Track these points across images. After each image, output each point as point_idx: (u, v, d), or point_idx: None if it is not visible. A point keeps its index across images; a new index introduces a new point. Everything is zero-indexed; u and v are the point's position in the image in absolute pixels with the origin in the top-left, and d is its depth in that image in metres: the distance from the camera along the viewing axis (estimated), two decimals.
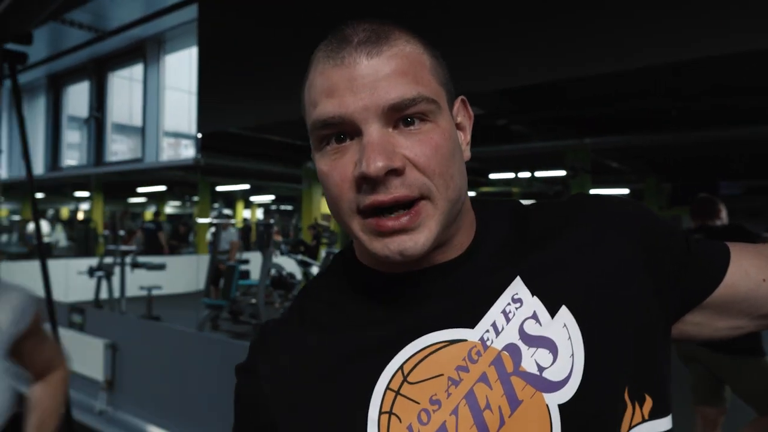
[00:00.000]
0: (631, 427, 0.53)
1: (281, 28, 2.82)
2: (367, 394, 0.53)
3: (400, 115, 0.50)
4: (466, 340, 0.53)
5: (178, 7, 4.52)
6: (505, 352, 0.52)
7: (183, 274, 8.96)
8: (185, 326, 5.71)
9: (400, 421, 0.51)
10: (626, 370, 0.53)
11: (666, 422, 0.55)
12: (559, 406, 0.50)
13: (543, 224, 0.60)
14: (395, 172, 0.49)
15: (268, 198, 18.11)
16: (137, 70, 6.75)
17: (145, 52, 6.16)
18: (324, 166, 0.52)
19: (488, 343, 0.52)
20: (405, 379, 0.52)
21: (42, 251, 2.28)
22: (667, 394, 0.57)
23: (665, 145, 7.60)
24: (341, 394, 0.54)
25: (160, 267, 7.38)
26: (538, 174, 9.82)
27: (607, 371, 0.53)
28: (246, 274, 7.83)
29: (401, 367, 0.53)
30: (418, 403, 0.51)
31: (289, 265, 8.09)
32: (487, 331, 0.53)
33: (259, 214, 19.35)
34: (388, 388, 0.52)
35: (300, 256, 8.00)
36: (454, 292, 0.55)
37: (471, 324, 0.53)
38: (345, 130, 0.51)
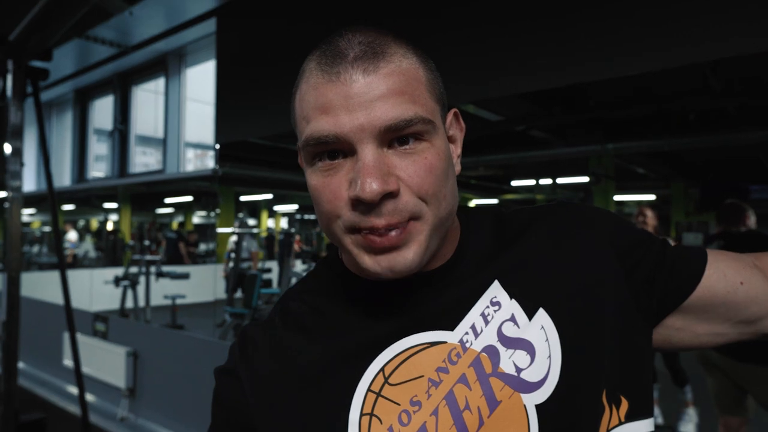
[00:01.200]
0: (608, 430, 0.54)
1: (297, 38, 2.86)
2: (348, 396, 0.53)
3: (395, 135, 0.49)
4: (446, 342, 0.54)
5: (197, 21, 4.63)
6: (484, 354, 0.53)
7: (206, 283, 9.09)
8: (208, 335, 5.78)
9: (381, 423, 0.51)
10: (603, 372, 0.54)
11: (646, 425, 0.56)
12: (536, 406, 0.51)
13: (521, 230, 0.60)
14: (390, 195, 0.49)
15: (292, 207, 18.30)
16: (161, 83, 6.93)
17: (167, 65, 6.31)
18: (316, 181, 0.52)
19: (467, 344, 0.53)
20: (386, 381, 0.53)
21: (62, 261, 2.34)
22: (648, 397, 0.57)
23: (692, 148, 7.43)
24: (322, 397, 0.54)
25: (184, 276, 7.50)
26: (561, 181, 9.70)
27: (584, 373, 0.53)
28: (268, 283, 7.91)
29: (382, 369, 0.53)
30: (398, 404, 0.52)
31: None
32: (467, 333, 0.54)
33: (284, 223, 19.54)
34: (369, 389, 0.53)
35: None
36: (435, 298, 0.56)
37: (451, 327, 0.54)
38: (339, 148, 0.50)
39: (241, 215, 13.12)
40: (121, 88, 7.05)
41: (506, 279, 0.56)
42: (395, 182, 0.49)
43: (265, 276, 7.50)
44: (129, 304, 7.42)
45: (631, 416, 0.55)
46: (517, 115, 6.16)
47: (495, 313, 0.55)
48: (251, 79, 3.17)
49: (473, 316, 0.55)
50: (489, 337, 0.54)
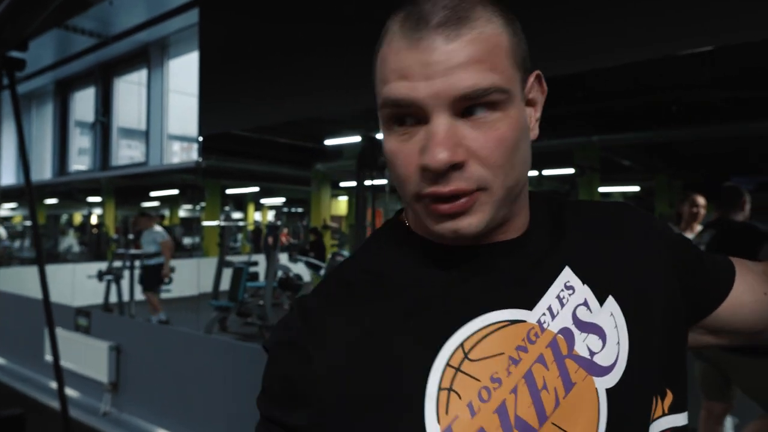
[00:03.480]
0: (652, 420, 0.55)
1: (282, 29, 2.82)
2: (425, 369, 0.52)
3: (469, 104, 0.49)
4: (525, 321, 0.54)
5: (180, 11, 4.56)
6: (560, 336, 0.54)
7: (191, 276, 9.03)
8: (193, 328, 5.74)
9: (460, 398, 0.50)
10: (659, 366, 0.57)
11: (682, 418, 0.58)
12: (607, 390, 0.52)
13: (585, 221, 0.62)
14: (456, 166, 0.49)
15: (279, 200, 18.21)
16: (143, 74, 6.82)
17: (149, 56, 6.22)
18: (392, 146, 0.52)
19: (545, 325, 0.54)
20: (466, 356, 0.52)
21: (40, 256, 2.30)
22: (685, 392, 0.60)
23: (677, 141, 7.51)
24: (395, 370, 0.52)
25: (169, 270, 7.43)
26: (546, 172, 9.75)
27: (646, 363, 0.55)
28: (255, 276, 7.86)
29: (462, 344, 0.52)
30: (478, 380, 0.51)
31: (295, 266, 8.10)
32: (544, 314, 0.54)
33: (270, 216, 19.45)
34: (448, 364, 0.52)
35: (306, 258, 8.02)
36: (514, 273, 0.56)
37: (530, 306, 0.54)
38: (414, 113, 0.50)
39: (227, 208, 13.02)
40: (103, 79, 6.93)
41: (576, 265, 0.57)
42: (464, 153, 0.49)
43: (252, 269, 7.46)
44: (113, 298, 7.35)
45: (673, 409, 0.57)
46: None
47: (569, 296, 0.56)
48: (235, 71, 3.13)
49: (550, 297, 0.55)
50: (564, 319, 0.55)
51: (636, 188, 12.69)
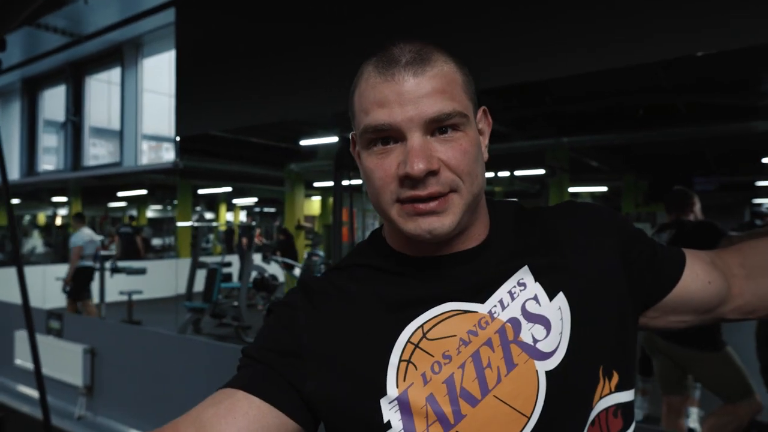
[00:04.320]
0: (600, 398, 0.64)
1: (260, 30, 2.83)
2: (390, 343, 0.63)
3: (437, 126, 0.60)
4: (477, 312, 0.63)
5: (155, 11, 4.51)
6: (508, 324, 0.63)
7: (163, 278, 8.90)
8: (170, 330, 5.67)
9: (416, 369, 0.61)
10: (603, 351, 0.65)
11: (628, 395, 0.68)
12: (546, 372, 0.61)
13: (545, 225, 0.71)
14: (432, 173, 0.59)
15: (251, 200, 18.04)
16: (115, 73, 6.70)
17: (123, 55, 6.12)
18: (371, 163, 0.62)
19: (495, 315, 0.63)
20: (424, 336, 0.62)
21: (18, 258, 2.28)
22: (632, 372, 0.69)
23: (642, 142, 7.76)
24: (368, 341, 0.64)
25: (141, 271, 7.33)
26: (518, 173, 9.94)
27: (587, 350, 0.64)
28: (228, 277, 7.81)
29: (422, 326, 0.63)
30: (432, 356, 0.61)
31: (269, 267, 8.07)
32: (495, 306, 0.64)
33: (242, 216, 19.25)
34: (408, 341, 0.62)
35: (282, 259, 8.01)
36: (469, 274, 0.65)
37: (482, 300, 0.64)
38: (391, 135, 0.61)
39: (198, 208, 12.85)
40: (74, 77, 6.78)
41: (534, 265, 0.66)
42: (437, 162, 0.59)
43: (225, 270, 7.41)
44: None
45: (619, 387, 0.66)
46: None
47: (521, 292, 0.64)
48: (212, 72, 3.12)
49: (501, 292, 0.64)
50: (514, 311, 0.63)
51: (604, 188, 13.02)
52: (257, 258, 8.16)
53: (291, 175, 10.79)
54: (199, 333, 6.40)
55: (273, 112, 2.91)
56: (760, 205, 11.79)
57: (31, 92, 7.56)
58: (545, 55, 1.95)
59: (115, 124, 6.80)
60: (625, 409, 0.67)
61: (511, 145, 7.45)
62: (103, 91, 6.97)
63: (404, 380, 0.61)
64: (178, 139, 3.60)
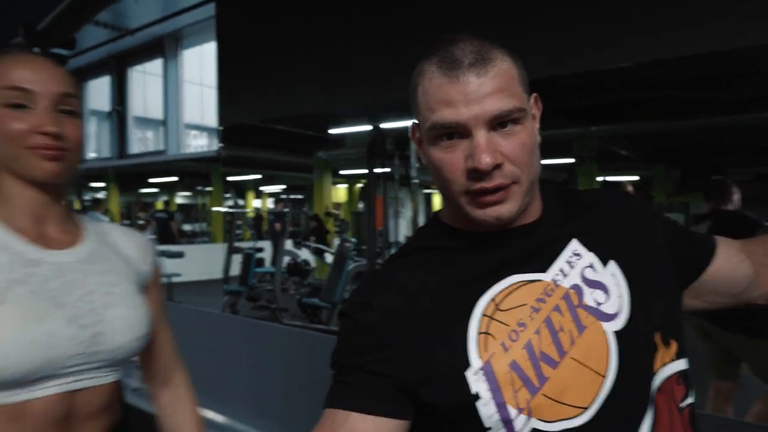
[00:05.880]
0: (663, 365, 0.69)
1: (297, 22, 2.90)
2: (465, 318, 0.67)
3: (499, 122, 0.65)
4: (541, 281, 0.69)
5: (195, 6, 4.67)
6: (571, 290, 0.68)
7: (198, 262, 9.18)
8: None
9: (495, 339, 0.65)
10: (658, 319, 0.70)
11: (684, 363, 0.73)
12: (614, 332, 0.66)
13: (590, 203, 0.78)
14: (497, 166, 0.64)
15: (278, 188, 18.30)
16: (154, 64, 6.95)
17: (164, 48, 6.34)
18: (439, 156, 0.68)
19: (558, 282, 0.69)
20: (497, 308, 0.67)
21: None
22: (684, 343, 0.74)
23: (673, 131, 7.67)
24: (442, 318, 0.68)
25: (179, 255, 7.60)
26: (544, 162, 9.91)
27: (644, 314, 0.69)
28: (260, 262, 8.05)
29: (493, 299, 0.67)
30: (507, 325, 0.66)
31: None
32: (557, 274, 0.69)
33: (270, 203, 19.54)
34: (483, 314, 0.67)
35: (314, 245, 8.20)
36: (530, 247, 0.71)
37: (544, 269, 0.70)
38: (457, 131, 0.65)
39: (228, 195, 13.12)
40: (118, 69, 7.05)
41: (583, 238, 0.72)
42: (500, 157, 0.65)
43: (258, 255, 7.64)
44: None
45: (678, 355, 0.71)
46: None
47: (577, 261, 0.70)
48: (252, 62, 3.22)
49: (560, 262, 0.70)
50: (574, 278, 0.69)
51: (635, 177, 12.86)
52: (288, 244, 8.38)
53: (319, 163, 10.93)
54: (236, 314, 6.66)
55: (310, 102, 3.03)
56: None
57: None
58: (566, 50, 2.02)
59: (154, 114, 7.06)
60: (686, 376, 0.72)
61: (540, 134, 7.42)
62: (143, 82, 7.23)
63: (485, 350, 0.64)
64: (221, 128, 3.75)
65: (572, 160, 8.63)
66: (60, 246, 0.87)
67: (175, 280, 7.36)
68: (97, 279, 0.87)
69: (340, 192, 16.14)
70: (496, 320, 0.66)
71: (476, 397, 0.63)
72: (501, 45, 0.70)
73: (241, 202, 18.27)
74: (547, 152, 9.58)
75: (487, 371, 0.64)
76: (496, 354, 0.64)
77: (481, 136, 0.64)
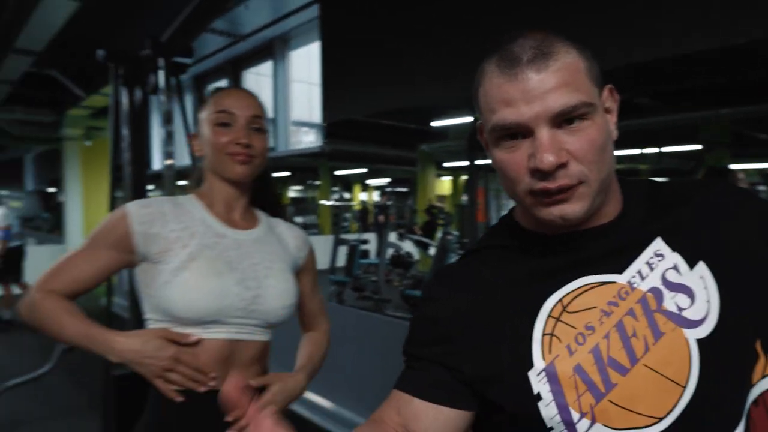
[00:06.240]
0: (764, 376, 0.62)
1: (396, 18, 2.93)
2: (532, 318, 0.65)
3: (564, 118, 0.60)
4: (615, 283, 0.64)
5: (302, 9, 4.90)
6: (649, 293, 0.63)
7: None
8: None
9: (560, 341, 0.63)
10: (758, 324, 0.63)
11: None
12: (698, 340, 0.61)
13: (681, 198, 0.71)
14: (561, 166, 0.60)
15: (384, 181, 18.67)
16: (267, 66, 7.39)
17: (274, 50, 6.72)
18: (502, 157, 0.64)
19: (635, 285, 0.64)
20: (564, 309, 0.64)
21: None
22: None
23: None
24: (508, 317, 0.66)
25: None
26: (667, 149, 9.13)
27: (740, 320, 0.62)
28: (365, 254, 8.28)
29: (561, 300, 0.65)
30: (574, 328, 0.63)
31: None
32: (634, 276, 0.64)
33: (375, 196, 20.01)
34: (549, 315, 0.64)
35: (417, 237, 8.27)
36: (605, 248, 0.67)
37: (620, 271, 0.65)
38: (519, 131, 0.62)
39: (336, 189, 13.63)
40: (233, 72, 7.61)
41: (668, 236, 0.66)
42: (565, 155, 0.61)
43: (363, 247, 7.86)
44: None
45: None
46: (620, 84, 5.89)
47: (659, 262, 0.65)
48: (354, 61, 3.30)
49: (639, 263, 0.65)
50: (654, 280, 0.64)
51: None
52: (392, 236, 8.52)
53: (423, 156, 10.98)
54: (342, 304, 6.92)
55: (410, 96, 3.04)
56: None
57: (199, 87, 8.64)
58: (687, 27, 1.85)
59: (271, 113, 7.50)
60: None
61: (659, 120, 6.87)
62: (258, 84, 7.73)
63: (549, 352, 0.63)
64: (324, 124, 3.89)
65: (698, 147, 7.87)
66: (240, 228, 1.13)
67: None
68: (263, 256, 1.12)
69: (444, 185, 16.10)
70: (563, 322, 0.64)
71: (538, 397, 0.62)
72: (569, 39, 0.65)
73: (348, 195, 18.91)
74: (671, 139, 8.84)
75: (550, 373, 0.62)
76: (560, 356, 0.62)
77: (543, 134, 0.60)
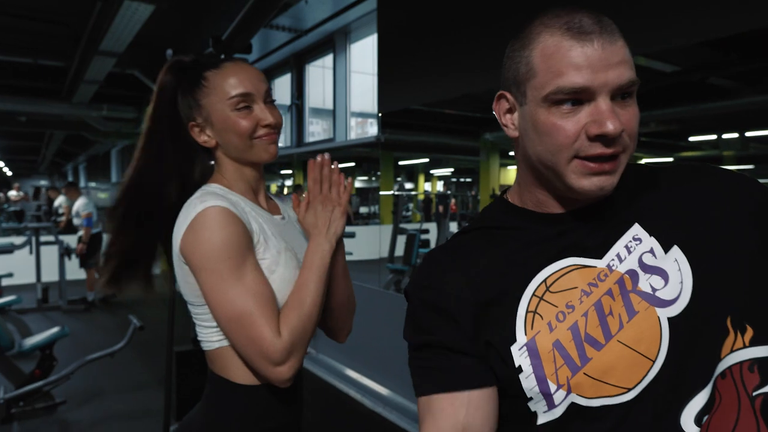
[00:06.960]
0: (732, 351, 0.65)
1: (452, 7, 2.94)
2: (517, 296, 0.69)
3: (620, 92, 0.64)
4: (595, 267, 0.68)
5: (361, 1, 4.98)
6: (626, 275, 0.67)
7: (369, 242, 9.76)
8: (371, 287, 6.34)
9: (542, 318, 0.67)
10: (731, 302, 0.65)
11: (765, 350, 0.65)
12: (669, 318, 0.64)
13: (657, 183, 0.74)
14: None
15: (447, 170, 18.54)
16: (328, 59, 7.56)
17: (334, 43, 6.86)
18: (553, 120, 0.65)
19: (613, 268, 0.68)
20: (547, 289, 0.68)
21: None
22: None
23: None
24: (496, 295, 0.70)
25: (351, 235, 8.20)
26: (750, 134, 8.50)
27: (711, 299, 0.65)
28: (426, 243, 8.31)
29: (545, 280, 0.69)
30: (556, 306, 0.67)
31: None
32: (613, 259, 0.68)
33: (439, 186, 19.92)
34: (533, 294, 0.68)
35: None
36: (589, 232, 0.71)
37: (599, 256, 0.69)
38: (582, 97, 0.64)
39: (399, 179, 13.68)
40: (297, 66, 7.83)
41: (646, 221, 0.70)
42: (622, 125, 0.64)
43: (423, 236, 7.90)
44: None
45: (755, 342, 0.65)
46: (694, 64, 5.56)
47: (636, 246, 0.68)
48: (410, 51, 3.31)
49: (618, 247, 0.69)
50: (631, 263, 0.67)
51: None
52: (453, 226, 8.50)
53: (486, 145, 10.81)
54: (400, 292, 7.01)
55: (466, 84, 3.04)
56: None
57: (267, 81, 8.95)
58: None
59: (329, 104, 7.68)
60: (764, 365, 0.65)
61: (739, 102, 6.42)
62: (319, 76, 7.93)
63: (531, 329, 0.67)
64: (380, 114, 3.96)
65: None
66: (273, 211, 1.11)
67: (347, 258, 7.96)
68: (299, 236, 1.11)
69: (509, 174, 15.78)
70: (546, 301, 0.68)
71: (519, 370, 0.67)
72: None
73: (411, 185, 18.93)
74: (751, 123, 8.21)
75: (531, 348, 0.66)
76: (541, 332, 0.66)
77: (607, 102, 0.63)
